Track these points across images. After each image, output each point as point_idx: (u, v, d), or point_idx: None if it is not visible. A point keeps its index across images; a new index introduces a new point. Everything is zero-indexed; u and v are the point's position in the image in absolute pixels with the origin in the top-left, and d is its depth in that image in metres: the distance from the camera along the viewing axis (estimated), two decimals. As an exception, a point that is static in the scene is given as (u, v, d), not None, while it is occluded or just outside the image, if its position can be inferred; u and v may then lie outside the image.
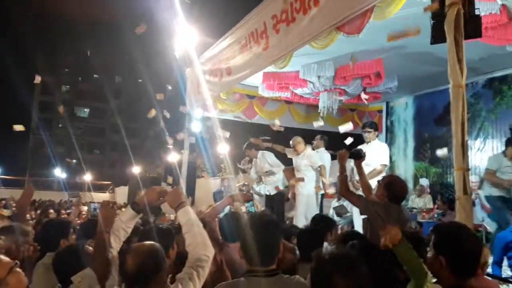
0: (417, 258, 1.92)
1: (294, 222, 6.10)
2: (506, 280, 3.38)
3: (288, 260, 2.53)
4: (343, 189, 3.71)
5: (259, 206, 7.45)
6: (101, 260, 2.16)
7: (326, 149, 6.92)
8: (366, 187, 3.87)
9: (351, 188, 4.40)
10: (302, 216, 6.15)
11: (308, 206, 6.27)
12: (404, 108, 9.06)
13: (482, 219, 6.18)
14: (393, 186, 3.45)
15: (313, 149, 6.80)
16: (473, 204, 5.50)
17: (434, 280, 1.98)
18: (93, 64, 50.68)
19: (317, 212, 6.26)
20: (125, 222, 2.28)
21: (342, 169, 3.75)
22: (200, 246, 2.01)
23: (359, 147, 5.73)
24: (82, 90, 53.99)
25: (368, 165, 5.48)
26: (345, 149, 3.91)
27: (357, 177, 4.83)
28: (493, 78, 7.22)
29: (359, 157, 3.96)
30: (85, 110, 55.98)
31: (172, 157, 11.09)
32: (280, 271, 2.00)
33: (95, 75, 54.74)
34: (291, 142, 6.66)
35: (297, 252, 2.81)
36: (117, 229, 2.25)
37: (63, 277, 2.20)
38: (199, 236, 2.05)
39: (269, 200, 6.87)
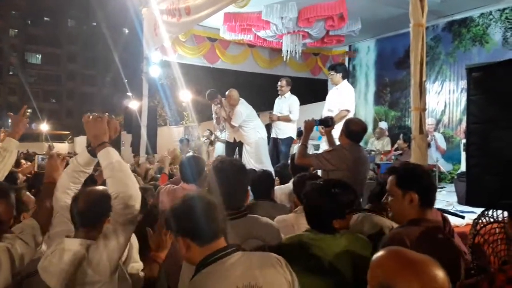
0: None
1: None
2: (454, 214, 3.57)
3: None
4: (299, 158, 3.55)
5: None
6: (45, 210, 2.05)
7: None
8: None
9: None
10: (253, 160, 6.30)
11: (257, 150, 6.42)
12: (366, 52, 9.06)
13: (437, 159, 6.47)
14: (349, 124, 3.54)
15: (281, 95, 6.72)
16: (429, 145, 5.72)
17: None
18: (42, 6, 47.11)
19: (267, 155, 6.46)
20: (84, 165, 2.06)
21: (305, 139, 3.63)
22: (123, 195, 1.76)
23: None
24: (32, 34, 50.39)
25: (330, 111, 5.49)
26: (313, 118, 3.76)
27: None
28: (453, 21, 7.26)
29: (328, 125, 3.82)
30: (37, 56, 52.63)
31: (132, 104, 10.77)
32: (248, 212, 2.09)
33: (45, 18, 51.09)
34: (227, 93, 6.44)
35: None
36: (74, 170, 2.05)
37: None
38: (122, 184, 1.78)
39: (230, 146, 6.89)
